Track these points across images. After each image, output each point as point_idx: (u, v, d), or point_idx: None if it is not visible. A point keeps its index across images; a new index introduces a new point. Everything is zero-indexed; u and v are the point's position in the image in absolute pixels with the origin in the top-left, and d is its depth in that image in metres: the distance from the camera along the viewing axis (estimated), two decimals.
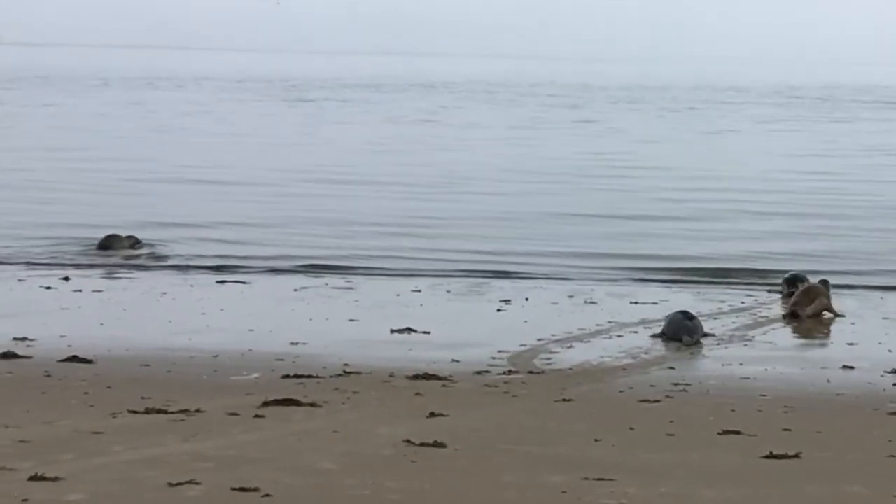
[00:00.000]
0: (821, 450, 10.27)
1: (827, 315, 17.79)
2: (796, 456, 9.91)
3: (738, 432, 10.77)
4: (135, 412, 11.03)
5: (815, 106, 73.83)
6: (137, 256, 23.44)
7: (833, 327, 17.59)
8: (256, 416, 11.07)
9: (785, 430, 10.99)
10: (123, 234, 24.29)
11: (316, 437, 10.32)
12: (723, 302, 19.11)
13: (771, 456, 9.91)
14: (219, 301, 18.81)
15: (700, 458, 9.92)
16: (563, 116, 62.48)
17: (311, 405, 11.57)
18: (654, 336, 16.13)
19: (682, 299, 19.37)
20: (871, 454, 10.20)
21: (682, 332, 15.81)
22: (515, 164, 40.87)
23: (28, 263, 22.28)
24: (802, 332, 17.19)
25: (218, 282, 20.59)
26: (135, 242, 24.03)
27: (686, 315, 16.14)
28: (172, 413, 11.04)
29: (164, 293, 19.45)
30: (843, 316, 17.88)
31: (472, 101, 73.42)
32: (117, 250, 23.65)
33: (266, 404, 11.49)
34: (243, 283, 20.60)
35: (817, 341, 16.50)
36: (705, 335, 16.08)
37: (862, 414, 11.95)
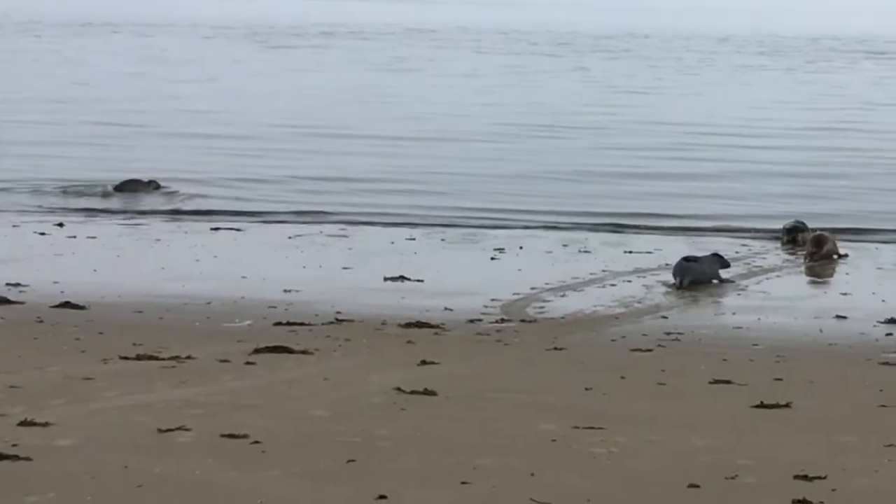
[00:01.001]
0: (812, 399, 10.26)
1: (835, 257, 18.49)
2: (787, 405, 9.91)
3: (729, 381, 10.77)
4: (126, 358, 11.02)
5: (804, 56, 73.35)
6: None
7: (827, 277, 17.60)
8: (247, 363, 11.06)
9: (776, 379, 10.98)
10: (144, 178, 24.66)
11: (306, 384, 10.31)
12: (718, 250, 19.04)
13: (762, 405, 9.90)
14: (213, 248, 18.77)
15: (691, 408, 9.91)
16: (550, 66, 62.02)
17: (303, 352, 11.56)
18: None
19: (676, 248, 19.35)
20: (862, 404, 10.19)
21: (674, 272, 16.27)
22: (500, 116, 40.59)
23: (21, 212, 22.31)
24: (796, 282, 17.20)
25: (212, 229, 20.54)
26: (156, 186, 24.44)
27: (686, 258, 16.57)
28: (163, 359, 11.03)
29: (159, 240, 19.43)
30: (847, 255, 18.62)
31: (458, 49, 72.93)
32: (138, 193, 24.02)
33: (257, 351, 11.48)
34: (237, 230, 20.55)
35: (811, 291, 16.50)
36: (722, 281, 16.42)
37: (854, 364, 11.95)
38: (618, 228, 21.36)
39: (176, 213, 22.38)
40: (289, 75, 54.18)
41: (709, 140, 34.06)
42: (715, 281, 16.47)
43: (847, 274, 17.66)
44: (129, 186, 24.36)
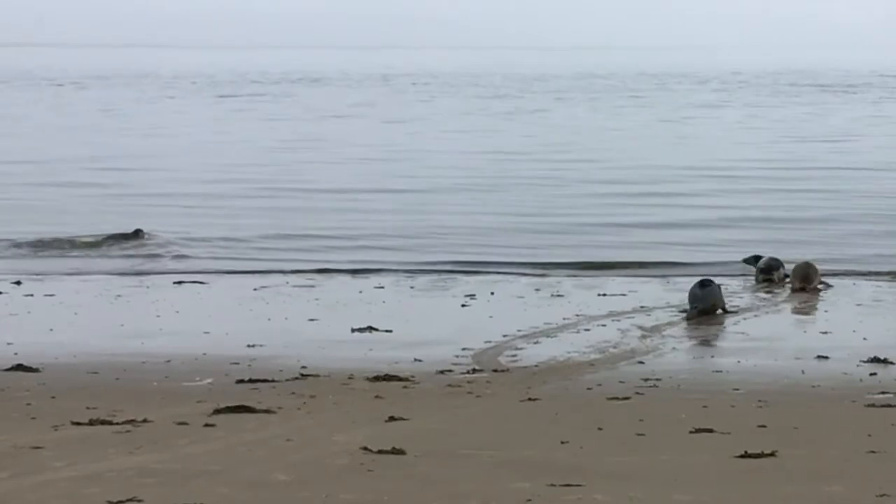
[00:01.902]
0: (797, 447, 9.80)
1: (821, 287, 18.66)
2: (772, 454, 9.44)
3: (710, 430, 10.30)
4: (78, 424, 10.46)
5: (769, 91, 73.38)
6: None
7: (806, 315, 17.20)
8: (206, 424, 10.52)
9: (760, 426, 10.52)
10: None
11: (268, 446, 9.79)
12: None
13: (746, 455, 9.44)
14: (174, 302, 18.26)
15: (671, 460, 9.44)
16: (512, 108, 61.70)
17: (265, 412, 11.04)
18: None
19: (651, 290, 18.94)
20: (851, 450, 9.74)
21: (689, 300, 16.58)
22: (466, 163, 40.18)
23: None
24: (774, 321, 16.77)
25: (175, 283, 20.02)
26: (140, 234, 24.32)
27: (701, 283, 16.79)
28: (118, 424, 10.48)
29: (119, 295, 18.87)
30: (832, 286, 18.77)
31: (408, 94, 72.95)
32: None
33: (217, 412, 10.95)
34: (201, 283, 20.03)
35: (790, 330, 16.05)
36: (726, 311, 16.63)
37: (839, 407, 11.51)
38: (588, 270, 20.96)
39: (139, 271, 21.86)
40: (240, 124, 53.67)
41: (677, 184, 33.63)
42: (719, 311, 16.60)
43: (826, 311, 17.26)
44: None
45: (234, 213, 28.26)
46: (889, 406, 11.39)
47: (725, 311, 16.69)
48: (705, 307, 16.51)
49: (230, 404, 11.16)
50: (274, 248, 23.75)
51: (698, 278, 17.35)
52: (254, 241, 24.29)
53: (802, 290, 18.55)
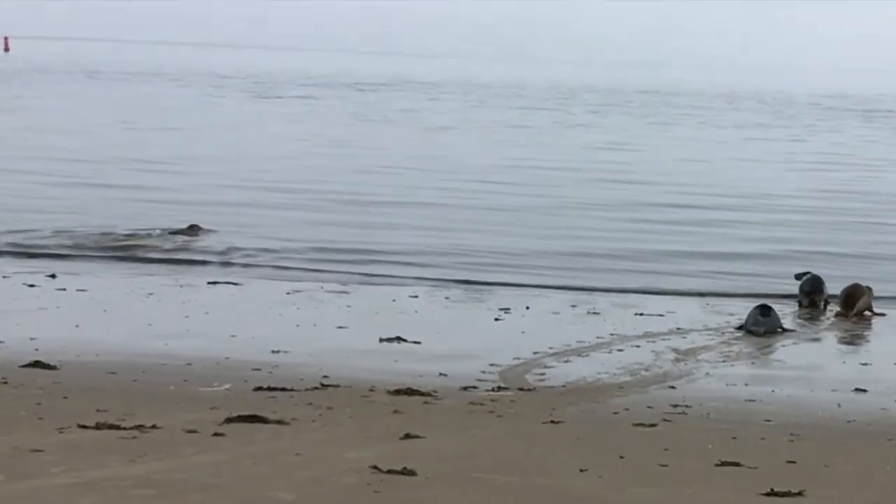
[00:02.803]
0: (827, 487, 9.37)
1: (868, 314, 18.11)
2: (800, 494, 9.03)
3: (737, 464, 9.88)
4: (84, 427, 10.19)
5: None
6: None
7: (846, 345, 16.70)
8: (216, 434, 10.22)
9: (789, 461, 10.09)
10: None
11: (276, 460, 9.48)
12: (731, 315, 18.20)
13: (772, 493, 9.03)
14: (206, 303, 17.98)
15: (694, 494, 9.04)
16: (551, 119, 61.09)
17: (278, 422, 10.73)
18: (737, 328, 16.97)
19: (689, 311, 18.51)
20: (883, 493, 9.31)
21: (749, 323, 16.79)
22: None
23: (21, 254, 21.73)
24: (813, 349, 16.31)
25: (209, 283, 19.78)
26: (198, 230, 24.42)
27: (761, 310, 16.95)
28: (125, 429, 10.20)
29: (151, 293, 18.64)
30: (884, 314, 18.24)
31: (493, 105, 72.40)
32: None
33: (229, 421, 10.65)
34: (235, 283, 19.79)
35: (829, 360, 15.51)
36: (784, 330, 16.88)
37: (874, 445, 11.05)
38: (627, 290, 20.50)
39: (177, 262, 21.72)
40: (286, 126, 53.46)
41: (725, 205, 32.94)
42: (779, 329, 16.85)
43: (868, 342, 16.77)
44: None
45: (304, 222, 27.54)
46: None
47: (784, 330, 16.98)
48: (768, 330, 16.69)
49: (244, 413, 10.86)
50: (323, 259, 23.17)
51: (754, 303, 17.49)
52: (305, 253, 23.60)
53: (845, 316, 18.05)
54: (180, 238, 24.05)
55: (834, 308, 18.57)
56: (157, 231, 24.54)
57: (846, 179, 39.09)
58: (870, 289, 18.55)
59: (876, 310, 18.32)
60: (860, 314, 18.04)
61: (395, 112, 58.85)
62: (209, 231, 24.54)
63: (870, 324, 17.99)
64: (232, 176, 33.91)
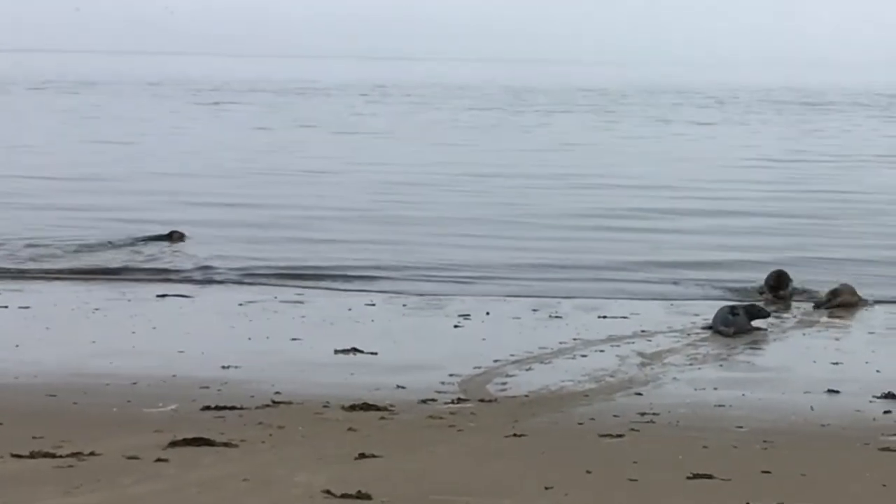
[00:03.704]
0: (805, 499, 8.88)
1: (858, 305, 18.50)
2: None
3: (710, 476, 9.36)
4: (18, 456, 9.57)
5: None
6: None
7: (815, 343, 16.23)
8: (158, 459, 9.62)
9: (764, 472, 9.59)
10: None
11: (221, 487, 8.89)
12: (696, 315, 17.74)
13: None
14: (154, 318, 17.35)
15: None
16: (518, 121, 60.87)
17: (225, 445, 10.14)
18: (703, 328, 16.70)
19: (654, 313, 18.04)
20: (863, 503, 8.83)
21: (718, 323, 16.45)
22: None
23: None
24: (782, 350, 15.85)
25: (158, 296, 19.15)
26: (179, 237, 24.46)
27: (731, 309, 16.71)
28: (61, 457, 9.58)
29: (97, 309, 17.99)
30: (867, 301, 18.69)
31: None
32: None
33: (173, 444, 10.06)
34: (186, 296, 19.17)
35: (799, 360, 15.01)
36: (753, 329, 16.55)
37: (851, 450, 10.56)
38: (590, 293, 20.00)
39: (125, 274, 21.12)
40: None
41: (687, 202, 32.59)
42: (747, 329, 16.58)
43: (837, 339, 16.30)
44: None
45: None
46: None
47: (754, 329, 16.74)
48: (738, 330, 16.39)
49: (189, 435, 10.27)
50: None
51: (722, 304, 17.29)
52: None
53: (828, 303, 18.33)
54: (159, 246, 23.80)
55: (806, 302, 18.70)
56: (132, 240, 24.33)
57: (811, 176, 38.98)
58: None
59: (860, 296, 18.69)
60: (843, 305, 18.38)
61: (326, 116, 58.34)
62: (189, 238, 24.44)
63: (837, 321, 17.57)
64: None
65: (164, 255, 23.11)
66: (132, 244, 24.08)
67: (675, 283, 20.79)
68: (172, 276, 21.11)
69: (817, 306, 18.46)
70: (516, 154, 45.40)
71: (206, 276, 21.14)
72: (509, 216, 28.81)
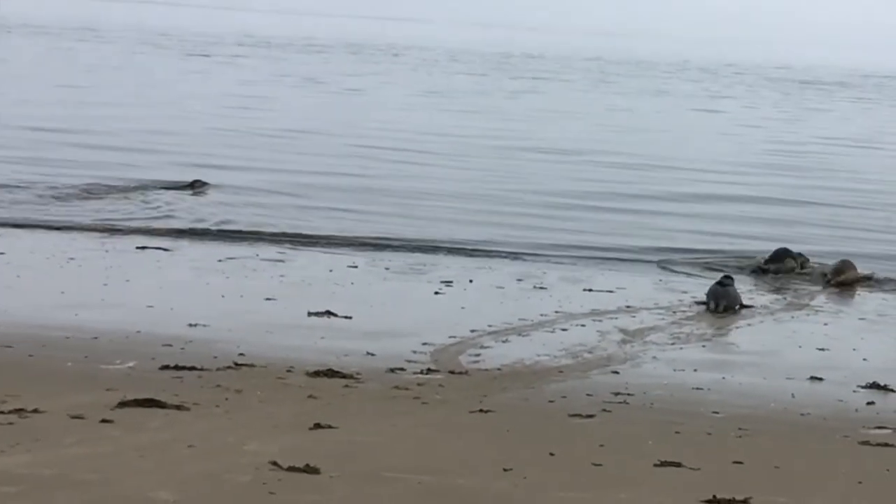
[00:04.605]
0: (776, 492, 8.45)
1: (863, 281, 18.55)
2: (744, 502, 8.12)
3: (678, 464, 8.94)
4: None
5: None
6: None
7: (803, 327, 15.78)
8: (104, 420, 9.21)
9: (736, 462, 9.17)
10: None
11: (164, 452, 8.48)
12: (685, 293, 17.32)
13: (714, 500, 8.12)
14: (129, 270, 16.91)
15: (628, 500, 8.12)
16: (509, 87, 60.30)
17: (177, 408, 9.73)
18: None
19: (641, 287, 17.61)
20: (836, 500, 8.42)
21: (710, 297, 16.23)
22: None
23: None
24: (769, 332, 15.39)
25: (138, 248, 18.70)
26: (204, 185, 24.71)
27: (721, 282, 16.49)
28: (3, 413, 9.18)
29: (72, 258, 17.55)
30: (871, 275, 18.78)
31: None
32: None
33: (122, 405, 9.64)
34: (165, 249, 18.73)
35: (785, 345, 14.54)
36: (743, 306, 16.36)
37: (829, 442, 10.13)
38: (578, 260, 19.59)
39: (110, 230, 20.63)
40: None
41: (674, 173, 32.10)
42: (737, 307, 16.27)
43: (826, 325, 15.85)
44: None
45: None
46: (886, 445, 10.03)
47: (743, 307, 16.42)
48: (729, 304, 16.22)
49: (140, 396, 9.86)
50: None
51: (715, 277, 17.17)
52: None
53: (830, 281, 18.43)
54: (167, 195, 23.69)
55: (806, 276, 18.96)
56: (154, 186, 24.45)
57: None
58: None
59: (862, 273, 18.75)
60: (847, 284, 18.43)
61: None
62: (214, 186, 24.60)
63: (826, 306, 17.16)
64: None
65: (180, 204, 22.96)
66: (146, 191, 24.04)
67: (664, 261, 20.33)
68: (158, 228, 20.70)
69: (826, 283, 18.48)
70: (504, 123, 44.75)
71: (189, 228, 20.74)
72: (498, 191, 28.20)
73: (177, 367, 11.32)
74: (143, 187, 24.57)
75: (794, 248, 20.03)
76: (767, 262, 19.44)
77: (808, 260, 19.53)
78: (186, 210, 22.48)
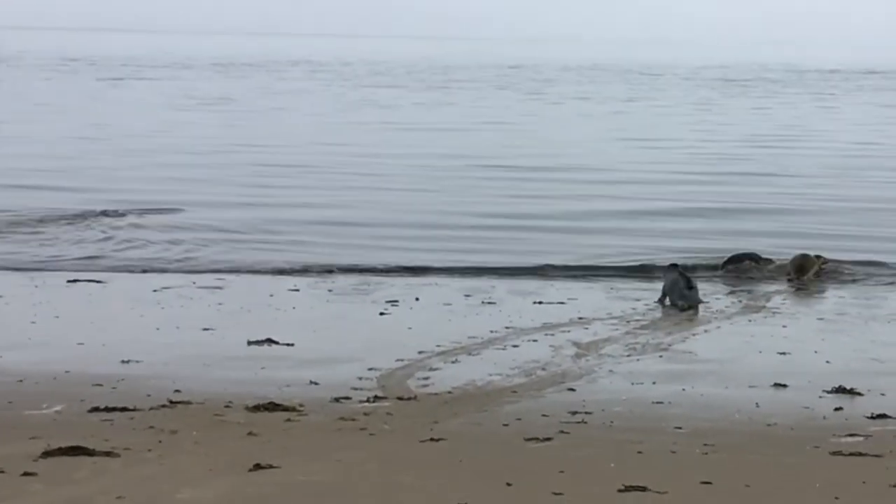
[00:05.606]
0: None
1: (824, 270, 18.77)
2: None
3: (643, 488, 8.40)
4: None
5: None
6: None
7: (762, 330, 15.29)
8: (26, 473, 8.54)
9: (704, 482, 8.63)
10: None
11: None
12: (637, 301, 16.82)
13: None
14: (60, 306, 16.19)
15: None
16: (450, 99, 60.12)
17: (107, 454, 9.07)
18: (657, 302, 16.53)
19: (592, 298, 17.09)
20: None
21: (675, 296, 16.36)
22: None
23: None
24: (726, 338, 14.87)
25: (69, 281, 17.99)
26: None
27: (687, 283, 16.51)
28: None
29: (0, 296, 16.82)
30: (828, 262, 18.95)
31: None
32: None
33: (46, 454, 8.98)
34: (98, 282, 18.01)
35: (744, 350, 14.02)
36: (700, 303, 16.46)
37: (799, 454, 9.60)
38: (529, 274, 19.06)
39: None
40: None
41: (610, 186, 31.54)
42: (699, 303, 16.49)
43: (784, 326, 15.37)
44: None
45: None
46: (859, 454, 9.53)
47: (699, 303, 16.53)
48: (691, 305, 16.29)
49: (66, 444, 9.20)
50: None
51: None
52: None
53: (796, 279, 18.46)
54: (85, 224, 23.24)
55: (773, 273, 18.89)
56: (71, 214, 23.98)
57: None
58: (818, 257, 18.94)
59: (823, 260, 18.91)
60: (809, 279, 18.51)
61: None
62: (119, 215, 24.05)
63: (783, 307, 16.73)
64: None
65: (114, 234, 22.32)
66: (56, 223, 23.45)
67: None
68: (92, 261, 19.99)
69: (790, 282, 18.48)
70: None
71: (121, 261, 20.02)
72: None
73: (107, 409, 10.65)
74: (61, 219, 23.87)
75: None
76: (725, 263, 19.27)
77: (771, 261, 19.23)
78: (116, 241, 21.74)
